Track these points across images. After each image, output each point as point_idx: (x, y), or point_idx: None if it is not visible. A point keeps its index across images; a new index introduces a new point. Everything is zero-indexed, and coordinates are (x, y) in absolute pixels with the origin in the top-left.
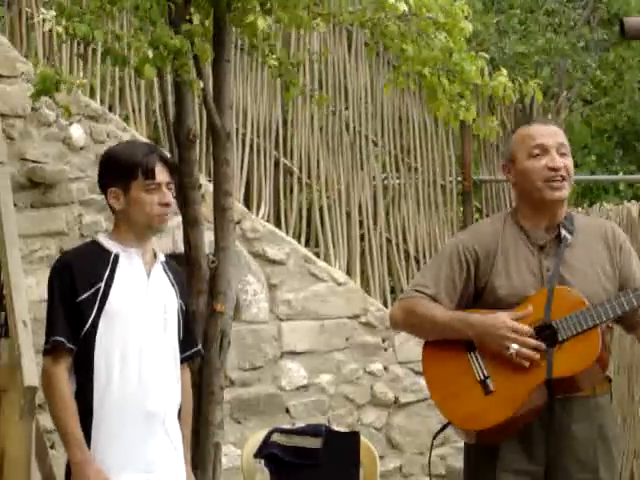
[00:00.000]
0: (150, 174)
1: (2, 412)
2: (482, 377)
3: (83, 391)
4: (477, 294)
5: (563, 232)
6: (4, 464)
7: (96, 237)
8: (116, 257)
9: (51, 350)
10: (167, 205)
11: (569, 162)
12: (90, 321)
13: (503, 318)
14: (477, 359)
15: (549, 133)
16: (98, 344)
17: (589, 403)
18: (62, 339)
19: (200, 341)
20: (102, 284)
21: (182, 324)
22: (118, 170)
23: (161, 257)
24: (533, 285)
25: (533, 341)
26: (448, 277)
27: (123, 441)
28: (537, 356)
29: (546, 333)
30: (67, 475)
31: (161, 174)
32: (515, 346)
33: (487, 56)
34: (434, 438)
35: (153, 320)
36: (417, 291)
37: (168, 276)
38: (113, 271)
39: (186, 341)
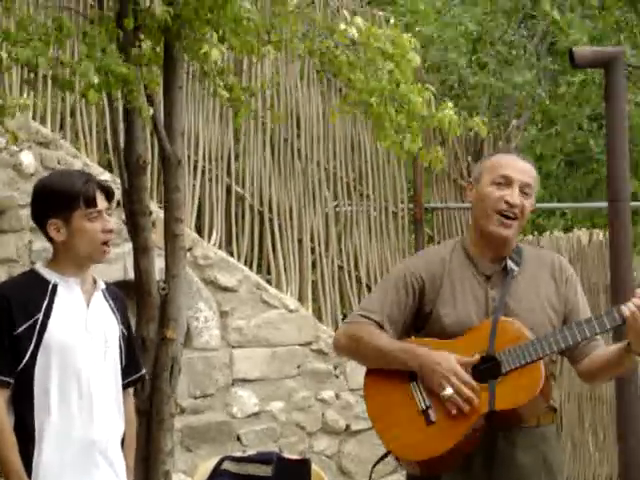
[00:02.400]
0: (92, 202)
1: None
2: (424, 407)
3: (23, 422)
4: (423, 321)
5: (510, 263)
6: None
7: (34, 267)
8: (54, 287)
9: None
10: (110, 232)
11: (528, 204)
12: (29, 353)
13: (450, 359)
14: (419, 389)
15: (519, 169)
16: (37, 376)
17: (533, 433)
18: None
19: (150, 368)
20: (40, 315)
21: (124, 350)
22: (58, 201)
23: (101, 285)
24: (478, 315)
25: (467, 391)
26: (394, 303)
27: (65, 471)
28: (466, 408)
29: (489, 365)
30: None
31: (101, 201)
32: (450, 390)
33: (433, 89)
34: (374, 466)
35: (93, 349)
36: (363, 316)
37: (109, 303)
38: (52, 301)
39: (129, 366)
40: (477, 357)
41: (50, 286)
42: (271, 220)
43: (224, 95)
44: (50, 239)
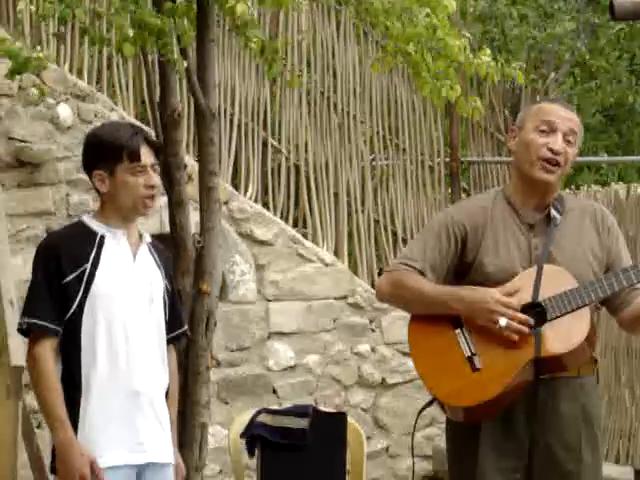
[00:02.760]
0: (135, 157)
1: None
2: (470, 354)
3: (70, 372)
4: (464, 270)
5: (553, 212)
6: None
7: (82, 218)
8: (102, 238)
9: (33, 331)
10: (153, 187)
11: (571, 152)
12: (76, 303)
13: (492, 292)
14: (465, 335)
15: (563, 116)
16: (84, 325)
17: (574, 383)
18: (44, 323)
19: (186, 322)
20: (88, 265)
21: (168, 305)
22: (103, 153)
23: (147, 238)
24: (521, 263)
25: (522, 315)
26: (435, 251)
27: (112, 421)
28: (526, 330)
29: (534, 312)
30: (53, 456)
31: (146, 156)
32: (504, 320)
33: (469, 35)
34: (419, 413)
35: (139, 301)
36: (404, 264)
37: (154, 257)
38: (99, 252)
39: (172, 322)
40: (519, 285)
41: (97, 237)
42: (307, 174)
43: (254, 48)
44: (96, 189)
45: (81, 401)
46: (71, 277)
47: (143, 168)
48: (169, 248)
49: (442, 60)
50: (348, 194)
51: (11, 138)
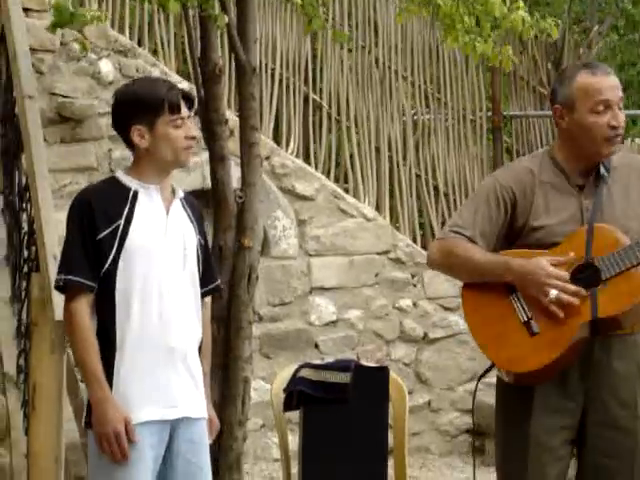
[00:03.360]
0: (176, 109)
1: (34, 346)
2: (526, 319)
3: (105, 328)
4: (516, 234)
5: (602, 170)
6: (36, 397)
7: (115, 173)
8: (135, 194)
9: (69, 288)
10: (193, 138)
11: (623, 115)
12: (110, 259)
13: (543, 264)
14: (519, 301)
15: (612, 87)
16: (118, 281)
17: (628, 340)
18: (80, 279)
19: (228, 276)
20: (122, 221)
21: (202, 259)
22: (142, 107)
23: (180, 193)
24: (573, 225)
25: (573, 287)
26: (485, 217)
27: (145, 377)
28: (577, 302)
29: (588, 272)
30: (88, 411)
31: (184, 108)
32: (554, 292)
33: None
34: (478, 380)
35: (173, 257)
36: (454, 232)
37: (187, 212)
38: (132, 208)
39: (205, 276)
40: (571, 255)
41: (131, 193)
42: (349, 129)
43: (297, 1)
44: (132, 146)
45: (115, 357)
46: (105, 233)
47: (182, 120)
48: (210, 203)
49: (480, 14)
50: (389, 149)
51: (53, 93)
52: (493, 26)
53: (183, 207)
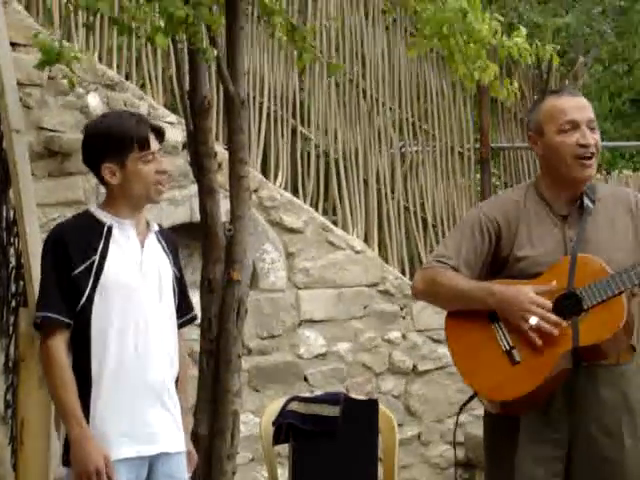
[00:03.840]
0: (145, 145)
1: (21, 382)
2: (507, 347)
3: (81, 364)
4: (500, 265)
5: (586, 201)
6: (24, 432)
7: (89, 208)
8: (109, 229)
9: (44, 325)
10: (164, 172)
11: (597, 137)
12: (86, 294)
13: (525, 290)
14: (501, 329)
15: (579, 107)
16: (94, 317)
17: (613, 371)
18: (55, 315)
19: (217, 310)
20: (97, 257)
21: (177, 291)
22: (111, 145)
23: (154, 227)
24: (556, 255)
25: (553, 316)
26: (469, 248)
27: (123, 413)
28: (556, 332)
29: (570, 302)
30: (66, 449)
31: (154, 143)
32: (535, 319)
33: (502, 19)
34: (460, 409)
35: (149, 290)
36: (439, 261)
37: (162, 245)
38: (107, 243)
39: (181, 308)
40: (554, 284)
41: (105, 228)
42: (337, 161)
43: (282, 37)
44: (104, 182)
45: (92, 393)
46: (80, 269)
47: (153, 155)
48: (199, 237)
49: (473, 43)
50: (378, 181)
51: (41, 128)
52: (490, 54)
53: (158, 240)
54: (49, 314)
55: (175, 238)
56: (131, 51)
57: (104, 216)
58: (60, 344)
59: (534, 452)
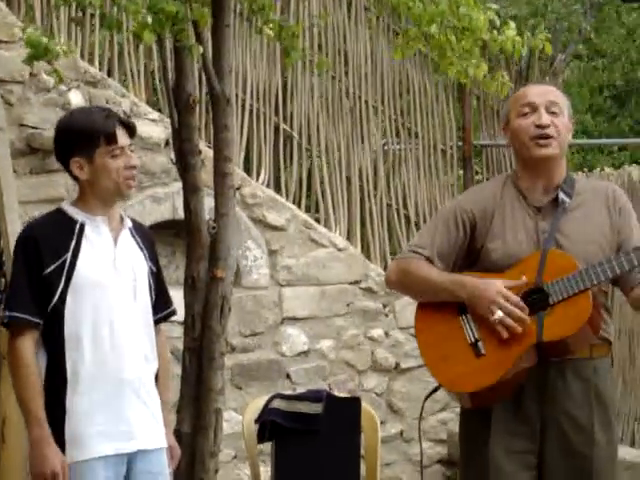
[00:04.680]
0: (112, 139)
1: (3, 380)
2: (473, 340)
3: (55, 363)
4: (474, 257)
5: (561, 195)
6: (5, 431)
7: (61, 205)
8: (82, 226)
9: (13, 325)
10: (133, 168)
11: (559, 121)
12: (58, 293)
13: (495, 282)
14: (469, 322)
15: (539, 92)
16: (67, 316)
17: (584, 365)
18: (24, 315)
19: (200, 307)
20: (69, 255)
21: (154, 287)
22: (78, 139)
23: (128, 222)
24: (528, 247)
25: (518, 312)
26: (443, 239)
27: (99, 411)
28: (519, 329)
29: (537, 296)
30: None
31: (123, 137)
32: (500, 313)
33: (497, 7)
34: (425, 400)
35: (122, 288)
36: (413, 252)
37: (136, 240)
38: (79, 241)
39: (158, 303)
40: (524, 279)
41: (77, 225)
42: (319, 158)
43: (269, 34)
44: (75, 177)
45: (67, 392)
46: (52, 268)
47: (121, 150)
48: (182, 234)
49: (467, 39)
50: (360, 178)
51: (23, 125)
52: (482, 49)
53: (132, 235)
54: (17, 314)
55: (150, 232)
56: (113, 48)
57: (76, 213)
58: (27, 344)
59: (506, 445)
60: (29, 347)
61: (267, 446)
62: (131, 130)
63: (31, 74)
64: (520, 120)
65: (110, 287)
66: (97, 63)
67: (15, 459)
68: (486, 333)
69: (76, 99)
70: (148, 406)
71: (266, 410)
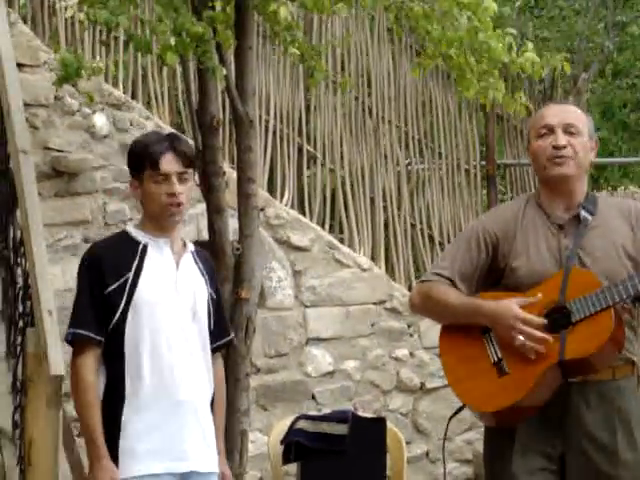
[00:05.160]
0: (155, 165)
1: (29, 402)
2: (496, 359)
3: (114, 381)
4: (498, 275)
5: (582, 212)
6: (32, 453)
7: (126, 227)
8: (145, 247)
9: (75, 342)
10: (173, 195)
11: (577, 141)
12: (119, 312)
13: (511, 307)
14: (492, 341)
15: (556, 113)
16: (127, 334)
17: (608, 386)
18: (87, 333)
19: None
20: (131, 274)
21: (213, 313)
22: (132, 161)
23: (190, 247)
24: (552, 265)
25: (539, 334)
26: (465, 259)
27: (154, 430)
28: (543, 349)
29: (560, 315)
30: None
31: (169, 164)
32: (521, 337)
33: (514, 32)
34: (449, 420)
35: (182, 310)
36: (436, 274)
37: (198, 265)
38: (142, 261)
39: (217, 330)
40: (539, 296)
41: (140, 246)
42: (343, 179)
43: (294, 52)
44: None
45: (124, 409)
46: (114, 286)
47: (165, 176)
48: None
49: (486, 61)
50: (384, 199)
51: (48, 148)
52: (501, 72)
53: (194, 261)
54: (80, 331)
55: (211, 260)
56: (137, 70)
57: (140, 235)
58: (89, 362)
59: (528, 464)
60: (91, 364)
61: (293, 467)
62: (186, 159)
63: (56, 97)
64: (539, 141)
65: (170, 308)
66: (121, 86)
67: None
68: (509, 352)
69: (100, 122)
70: (203, 429)
71: (291, 431)
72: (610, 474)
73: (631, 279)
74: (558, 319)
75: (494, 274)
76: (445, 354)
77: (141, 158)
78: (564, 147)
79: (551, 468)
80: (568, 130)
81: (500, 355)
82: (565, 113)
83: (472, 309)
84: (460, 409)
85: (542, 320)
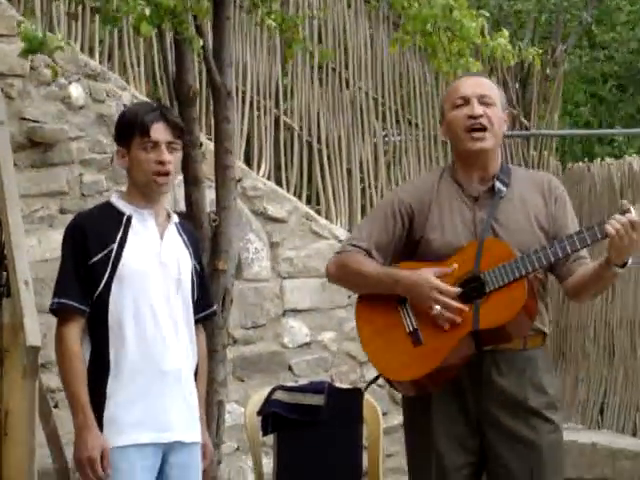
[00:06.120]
0: (146, 132)
1: (5, 372)
2: (411, 329)
3: (98, 351)
4: (413, 247)
5: (497, 184)
6: (8, 423)
7: (110, 198)
8: (129, 218)
9: (60, 312)
10: (163, 163)
11: (492, 112)
12: (103, 282)
13: (428, 277)
14: (407, 311)
15: (472, 84)
16: (111, 305)
17: (519, 356)
18: (71, 302)
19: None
20: (115, 245)
21: (197, 285)
22: (121, 129)
23: (174, 218)
24: (466, 237)
25: (455, 303)
26: (382, 230)
27: (138, 401)
28: (459, 319)
29: (474, 285)
30: None
31: (159, 132)
32: (438, 307)
33: (487, 14)
34: (364, 390)
35: (166, 280)
36: (352, 245)
37: (182, 237)
38: (126, 232)
39: (201, 302)
40: (455, 266)
41: (124, 217)
42: (320, 150)
43: (271, 24)
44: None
45: (108, 380)
46: (98, 257)
47: (155, 144)
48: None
49: (458, 40)
50: (361, 170)
51: (23, 118)
52: (472, 52)
53: (178, 232)
54: (64, 300)
55: (195, 231)
56: (113, 40)
57: (124, 206)
58: (74, 332)
59: (446, 430)
60: (75, 334)
61: (269, 438)
62: (176, 129)
63: (32, 67)
64: (454, 112)
65: (154, 279)
66: (97, 56)
67: (17, 452)
68: (424, 322)
69: (76, 92)
70: (187, 400)
71: (268, 402)
72: (526, 437)
73: (543, 250)
74: (472, 289)
75: (410, 245)
76: (362, 324)
77: (131, 125)
78: (480, 116)
79: (469, 433)
80: (483, 100)
81: (416, 325)
82: (479, 84)
83: (388, 279)
84: (376, 378)
85: (458, 290)
